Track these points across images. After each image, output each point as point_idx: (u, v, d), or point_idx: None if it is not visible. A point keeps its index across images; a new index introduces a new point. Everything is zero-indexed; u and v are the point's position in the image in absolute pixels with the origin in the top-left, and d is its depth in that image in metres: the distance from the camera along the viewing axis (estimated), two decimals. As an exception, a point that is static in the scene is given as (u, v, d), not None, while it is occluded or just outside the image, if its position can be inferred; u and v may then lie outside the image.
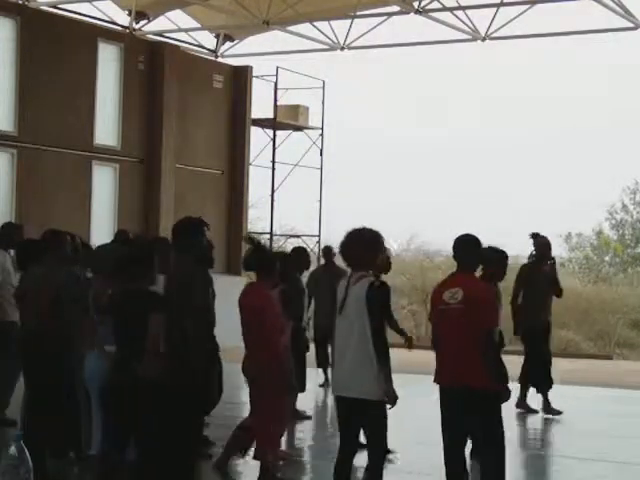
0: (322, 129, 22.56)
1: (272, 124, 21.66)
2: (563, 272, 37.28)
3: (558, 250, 39.70)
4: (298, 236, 24.62)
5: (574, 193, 44.08)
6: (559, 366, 18.54)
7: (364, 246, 6.42)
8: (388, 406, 6.34)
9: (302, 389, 10.81)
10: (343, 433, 6.55)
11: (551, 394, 12.15)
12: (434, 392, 6.94)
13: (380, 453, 6.48)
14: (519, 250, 36.11)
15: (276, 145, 21.79)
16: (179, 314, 6.72)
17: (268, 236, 22.13)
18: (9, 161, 16.19)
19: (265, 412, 7.79)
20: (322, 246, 22.07)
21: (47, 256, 8.30)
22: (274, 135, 21.80)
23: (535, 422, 11.97)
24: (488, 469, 6.82)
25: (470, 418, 6.69)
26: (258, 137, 21.90)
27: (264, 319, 7.66)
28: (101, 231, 17.59)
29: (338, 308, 6.46)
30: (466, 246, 6.84)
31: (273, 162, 21.78)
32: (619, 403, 14.83)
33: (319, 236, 22.03)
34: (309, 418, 11.48)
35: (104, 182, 18.00)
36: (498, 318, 6.76)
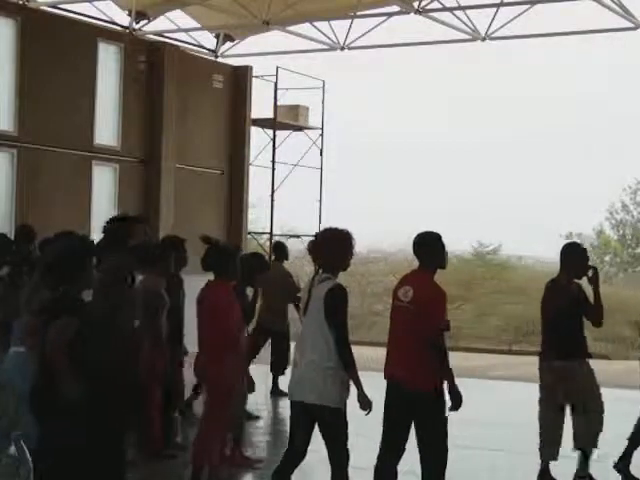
0: (322, 129, 22.57)
1: (272, 124, 21.66)
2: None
3: (558, 250, 39.69)
4: (298, 236, 24.60)
5: (574, 193, 44.10)
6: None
7: (331, 247, 6.32)
8: (364, 412, 6.20)
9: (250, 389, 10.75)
10: (292, 436, 6.44)
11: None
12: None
13: (343, 460, 6.31)
14: (520, 250, 36.11)
15: (276, 145, 21.79)
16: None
17: (268, 236, 22.14)
18: (9, 161, 16.19)
19: (217, 414, 7.72)
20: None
21: None
22: (274, 135, 21.80)
23: (535, 421, 11.95)
24: (427, 470, 6.62)
25: (409, 417, 6.55)
26: (258, 137, 21.93)
27: (222, 319, 7.57)
28: (101, 231, 17.57)
29: (303, 309, 6.39)
30: (427, 244, 6.71)
31: (273, 162, 21.78)
32: (619, 403, 14.82)
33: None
34: (257, 418, 11.36)
35: (104, 182, 17.99)
36: (445, 318, 6.58)
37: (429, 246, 6.70)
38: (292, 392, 6.36)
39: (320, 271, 6.35)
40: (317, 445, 6.48)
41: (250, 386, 8.15)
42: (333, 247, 6.32)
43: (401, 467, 8.90)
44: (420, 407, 6.45)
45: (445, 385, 6.56)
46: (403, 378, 6.47)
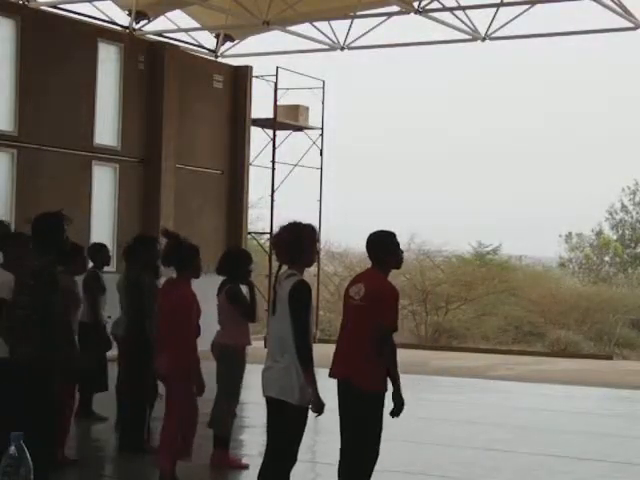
0: (322, 129, 22.58)
1: (272, 124, 21.67)
2: (563, 272, 37.42)
3: (558, 250, 39.85)
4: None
5: (574, 193, 44.17)
6: (559, 366, 18.58)
7: (296, 242, 6.10)
8: (314, 414, 6.00)
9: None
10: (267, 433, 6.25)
11: (550, 394, 12.14)
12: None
13: (285, 461, 6.07)
14: (520, 250, 36.16)
15: (276, 145, 21.80)
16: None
17: (268, 236, 22.14)
18: (9, 161, 16.19)
19: (175, 414, 7.67)
20: (322, 246, 22.10)
21: None
22: (274, 135, 21.80)
23: (535, 421, 11.97)
24: (355, 467, 6.42)
25: (351, 414, 6.36)
26: (258, 137, 21.96)
27: (178, 318, 7.50)
28: (101, 231, 17.60)
29: (270, 308, 6.26)
30: (380, 243, 6.54)
31: (273, 162, 21.79)
32: (619, 403, 14.83)
33: (319, 236, 22.00)
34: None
35: (104, 182, 17.99)
36: (395, 318, 6.39)
37: (382, 245, 6.54)
38: (262, 388, 6.23)
39: (284, 268, 6.16)
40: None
41: (200, 388, 7.85)
42: (297, 243, 6.09)
43: (411, 467, 8.95)
44: (363, 404, 6.29)
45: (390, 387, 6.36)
46: (351, 375, 6.31)
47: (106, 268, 10.92)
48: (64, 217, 6.98)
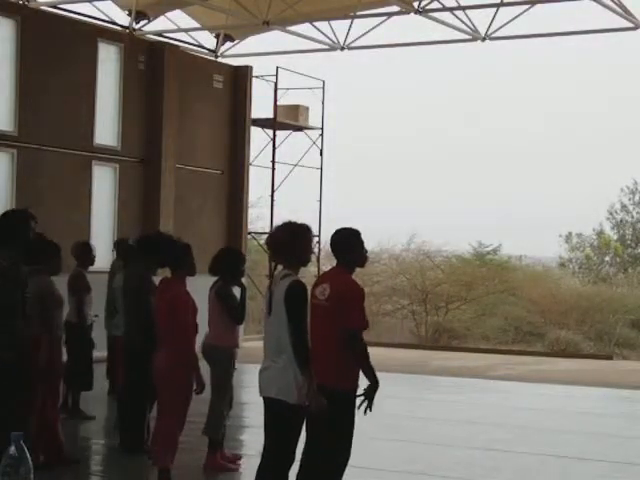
0: (322, 129, 22.58)
1: (272, 124, 21.68)
2: (563, 272, 37.43)
3: (558, 250, 39.85)
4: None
5: (574, 193, 44.17)
6: (559, 366, 18.59)
7: (291, 242, 6.07)
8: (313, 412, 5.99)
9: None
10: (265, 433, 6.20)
11: (550, 394, 12.13)
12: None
13: (282, 461, 6.05)
14: (520, 250, 36.17)
15: (276, 145, 21.80)
16: None
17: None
18: (9, 161, 16.19)
19: (173, 413, 7.67)
20: (322, 246, 22.12)
21: None
22: (274, 135, 21.81)
23: (535, 421, 11.98)
24: (325, 468, 6.42)
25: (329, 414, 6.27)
26: (258, 137, 21.96)
27: (181, 314, 7.54)
28: (101, 231, 17.60)
29: (266, 308, 6.21)
30: (343, 241, 6.54)
31: (273, 162, 21.79)
32: (619, 403, 14.84)
33: (319, 236, 22.03)
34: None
35: (104, 182, 18.00)
36: (363, 317, 6.39)
37: (347, 243, 6.54)
38: (260, 389, 6.21)
39: (280, 268, 6.16)
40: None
41: (199, 386, 7.84)
42: (293, 242, 6.08)
43: (411, 467, 8.94)
44: (333, 404, 6.22)
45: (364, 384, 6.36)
46: (322, 376, 6.20)
47: (104, 268, 10.93)
48: (30, 215, 6.92)
